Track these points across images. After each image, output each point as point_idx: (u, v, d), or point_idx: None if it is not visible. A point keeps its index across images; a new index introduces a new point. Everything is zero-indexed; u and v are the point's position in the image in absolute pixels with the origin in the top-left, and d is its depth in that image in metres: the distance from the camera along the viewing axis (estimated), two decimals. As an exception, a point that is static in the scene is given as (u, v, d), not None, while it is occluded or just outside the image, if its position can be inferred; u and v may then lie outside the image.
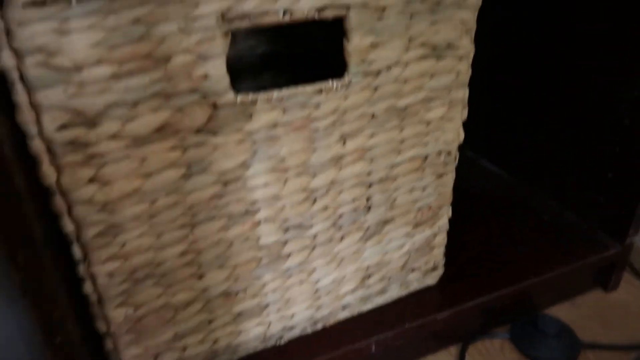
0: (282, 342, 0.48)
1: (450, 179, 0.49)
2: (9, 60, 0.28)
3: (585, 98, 0.61)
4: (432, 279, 0.54)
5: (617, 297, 0.63)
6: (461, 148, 0.48)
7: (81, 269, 0.36)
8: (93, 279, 0.36)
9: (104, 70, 0.31)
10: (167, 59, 0.32)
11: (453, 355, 0.56)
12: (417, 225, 0.49)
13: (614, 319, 0.60)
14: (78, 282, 0.36)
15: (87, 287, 0.36)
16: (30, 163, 0.31)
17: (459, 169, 0.49)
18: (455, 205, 0.51)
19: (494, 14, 0.60)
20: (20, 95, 0.30)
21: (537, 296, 0.61)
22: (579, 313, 0.61)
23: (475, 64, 0.43)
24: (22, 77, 0.29)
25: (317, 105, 0.38)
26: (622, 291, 0.64)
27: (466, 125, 0.46)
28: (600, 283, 0.65)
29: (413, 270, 0.52)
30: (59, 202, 0.33)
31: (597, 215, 0.63)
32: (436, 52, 0.41)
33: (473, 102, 0.47)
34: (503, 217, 0.66)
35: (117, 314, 0.38)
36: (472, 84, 0.44)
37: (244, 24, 0.33)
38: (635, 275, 0.66)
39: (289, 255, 0.44)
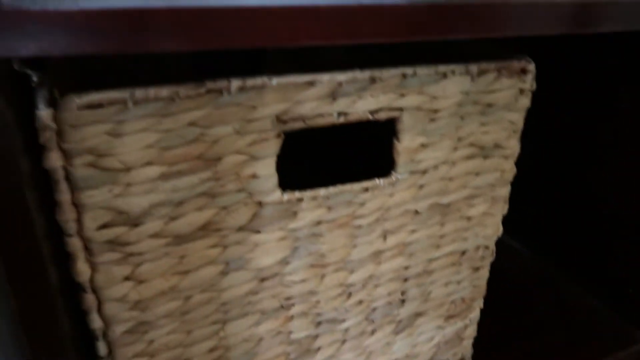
0: None
1: (486, 272, 0.47)
2: (56, 161, 0.27)
3: (616, 189, 0.60)
4: (458, 371, 0.52)
5: (646, 394, 0.61)
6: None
7: (105, 368, 0.33)
8: (116, 377, 0.34)
9: (154, 171, 0.29)
10: (218, 159, 0.31)
11: None
12: (449, 317, 0.47)
13: (644, 418, 0.57)
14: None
15: (109, 386, 0.34)
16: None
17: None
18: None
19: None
20: (63, 194, 0.28)
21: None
22: (607, 410, 0.58)
23: (520, 161, 0.42)
24: (67, 176, 0.28)
25: (363, 203, 0.37)
26: (651, 387, 0.61)
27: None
28: (627, 376, 0.62)
29: (441, 362, 0.50)
30: (89, 300, 0.31)
31: (627, 306, 0.61)
32: (484, 151, 0.40)
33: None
34: (527, 300, 0.64)
35: (137, 414, 0.36)
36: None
37: (298, 125, 0.32)
38: (663, 368, 0.64)
39: (318, 350, 0.42)
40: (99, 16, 0.22)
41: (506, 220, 0.45)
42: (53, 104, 0.26)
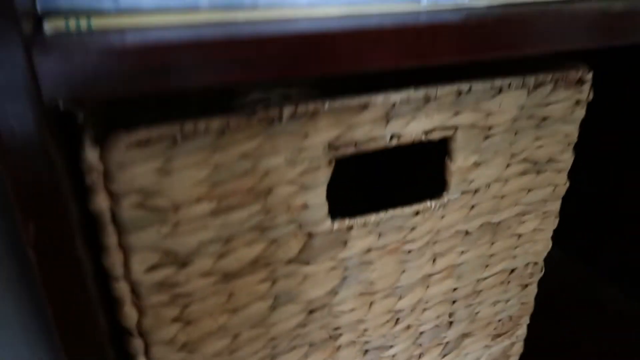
0: None
1: (534, 289, 0.45)
2: (103, 204, 0.25)
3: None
4: (504, 390, 0.50)
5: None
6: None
7: (152, 412, 0.32)
8: (163, 421, 0.32)
9: (203, 207, 0.27)
10: (268, 191, 0.29)
11: None
12: (496, 336, 0.46)
13: None
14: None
15: None
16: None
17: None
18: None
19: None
20: (110, 237, 0.26)
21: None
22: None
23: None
24: (114, 219, 0.26)
25: (413, 227, 0.35)
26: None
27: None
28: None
29: (486, 382, 0.48)
30: (136, 344, 0.30)
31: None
32: (536, 166, 0.38)
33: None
34: (568, 308, 0.62)
35: None
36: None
37: (350, 150, 0.30)
38: None
39: (365, 378, 0.40)
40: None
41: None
42: (99, 143, 0.24)
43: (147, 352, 0.30)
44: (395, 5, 0.28)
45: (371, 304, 0.37)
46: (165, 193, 0.26)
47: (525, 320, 0.47)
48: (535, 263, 0.43)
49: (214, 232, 0.28)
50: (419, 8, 0.29)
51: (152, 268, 0.28)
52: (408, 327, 0.40)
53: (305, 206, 0.30)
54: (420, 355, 0.42)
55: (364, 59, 0.24)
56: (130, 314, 0.28)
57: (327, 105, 0.28)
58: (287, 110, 0.27)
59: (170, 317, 0.29)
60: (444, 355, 0.43)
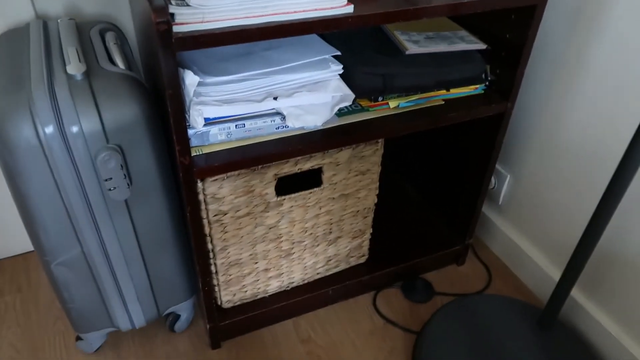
0: (289, 287, 1.04)
1: (371, 217, 1.03)
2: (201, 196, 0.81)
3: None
4: (362, 260, 1.10)
5: (462, 269, 1.20)
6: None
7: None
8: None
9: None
10: (258, 194, 0.85)
11: (371, 296, 1.13)
12: (354, 238, 1.04)
13: (456, 280, 1.17)
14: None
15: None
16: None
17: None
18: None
19: None
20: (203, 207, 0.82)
21: (417, 268, 1.17)
22: (439, 276, 1.18)
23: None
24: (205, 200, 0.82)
25: (309, 197, 0.91)
26: (466, 267, 1.21)
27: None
28: (455, 261, 1.22)
29: (352, 256, 1.08)
30: (210, 244, 0.87)
31: (455, 227, 1.18)
32: (362, 175, 0.94)
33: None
34: (407, 222, 1.21)
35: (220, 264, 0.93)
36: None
37: (282, 175, 0.86)
38: (476, 257, 1.23)
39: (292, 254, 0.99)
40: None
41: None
42: (201, 181, 0.79)
43: (213, 247, 0.88)
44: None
45: (294, 225, 0.94)
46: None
47: (369, 230, 1.05)
48: (368, 208, 1.01)
49: (233, 207, 0.84)
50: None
51: (215, 215, 0.84)
52: (311, 234, 0.98)
53: (266, 193, 0.86)
54: (317, 245, 1.00)
55: (282, 158, 0.78)
56: (207, 231, 0.85)
57: (273, 162, 0.83)
58: (259, 166, 0.82)
59: (220, 231, 0.86)
60: (329, 245, 1.02)
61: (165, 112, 0.70)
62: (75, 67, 0.70)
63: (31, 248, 1.20)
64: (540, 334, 0.98)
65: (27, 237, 1.16)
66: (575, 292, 1.03)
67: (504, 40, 0.91)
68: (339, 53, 0.82)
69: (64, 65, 0.72)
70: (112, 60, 0.77)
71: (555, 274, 1.08)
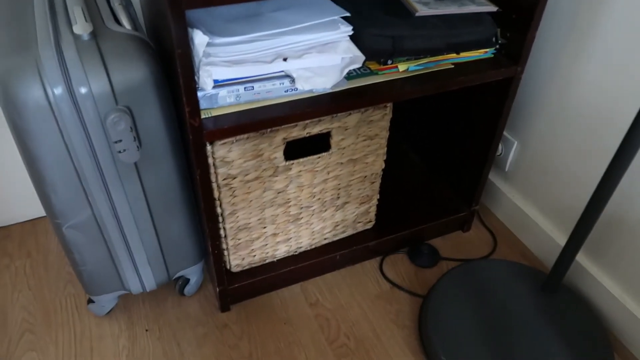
0: (297, 252, 1.05)
1: (378, 182, 1.03)
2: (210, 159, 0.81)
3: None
4: (369, 226, 1.11)
5: (468, 235, 1.21)
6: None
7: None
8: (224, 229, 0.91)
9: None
10: (266, 158, 0.85)
11: (377, 261, 1.14)
12: (361, 203, 1.05)
13: (462, 246, 1.18)
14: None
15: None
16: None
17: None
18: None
19: None
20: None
21: (423, 234, 1.18)
22: (444, 243, 1.19)
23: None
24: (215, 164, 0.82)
25: (317, 162, 0.91)
26: (471, 233, 1.22)
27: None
28: (461, 228, 1.22)
29: (359, 222, 1.08)
30: (219, 207, 0.87)
31: (461, 194, 1.19)
32: (370, 140, 0.93)
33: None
34: (413, 189, 1.22)
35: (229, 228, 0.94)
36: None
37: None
38: (481, 223, 1.24)
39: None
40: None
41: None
42: (210, 144, 0.79)
43: (222, 211, 0.88)
44: (306, 91, 0.81)
45: (302, 190, 0.94)
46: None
47: (376, 195, 1.06)
48: (375, 173, 1.01)
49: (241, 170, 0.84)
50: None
51: (224, 179, 0.84)
52: (319, 199, 0.98)
53: (274, 158, 0.86)
54: (325, 211, 1.01)
55: (291, 121, 0.78)
56: (216, 195, 0.86)
57: (282, 126, 0.83)
58: (268, 129, 0.82)
59: (229, 195, 0.87)
60: (336, 210, 1.02)
61: (174, 73, 0.70)
62: (81, 27, 0.69)
63: (39, 214, 1.20)
64: (545, 297, 0.99)
65: (34, 203, 1.17)
66: (580, 257, 1.04)
67: (515, 2, 0.89)
68: (348, 14, 0.80)
69: (70, 25, 0.71)
70: (117, 21, 0.76)
71: (561, 239, 1.09)
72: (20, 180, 1.12)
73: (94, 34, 0.69)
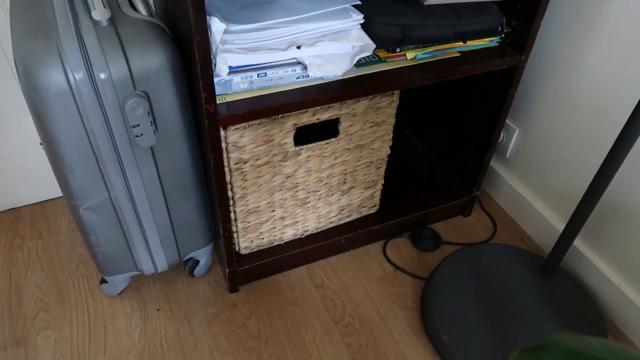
0: (303, 235, 1.08)
1: (383, 168, 1.06)
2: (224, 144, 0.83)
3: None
4: (373, 210, 1.14)
5: (468, 220, 1.24)
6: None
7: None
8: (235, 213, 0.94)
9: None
10: (277, 144, 0.87)
11: (381, 244, 1.17)
12: (366, 188, 1.07)
13: (462, 230, 1.21)
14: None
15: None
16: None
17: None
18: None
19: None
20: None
21: (425, 219, 1.21)
22: (446, 227, 1.22)
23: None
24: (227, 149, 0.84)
25: (325, 147, 0.94)
26: (472, 218, 1.25)
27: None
28: (462, 213, 1.26)
29: (364, 207, 1.11)
30: (231, 191, 0.90)
31: (462, 180, 1.21)
32: (377, 126, 0.95)
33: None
34: (416, 175, 1.24)
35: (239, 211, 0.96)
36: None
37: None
38: (482, 209, 1.27)
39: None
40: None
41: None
42: (224, 129, 0.81)
43: (233, 195, 0.90)
44: (317, 78, 0.83)
45: (310, 175, 0.97)
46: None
47: (381, 181, 1.08)
48: (381, 159, 1.03)
49: (252, 155, 0.87)
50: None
51: (236, 164, 0.86)
52: (326, 184, 1.00)
53: (285, 143, 0.88)
54: (331, 195, 1.04)
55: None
56: (228, 179, 0.88)
57: (293, 112, 0.85)
58: (280, 115, 0.84)
59: (240, 179, 0.89)
60: (342, 195, 1.05)
61: (191, 59, 0.71)
62: (100, 13, 0.71)
63: (50, 196, 1.22)
64: (543, 280, 1.03)
65: (44, 185, 1.19)
66: (577, 242, 1.08)
67: (521, -9, 0.91)
68: (359, 2, 0.82)
69: (88, 10, 0.72)
70: (133, 7, 0.77)
71: (559, 225, 1.12)
72: (30, 162, 1.14)
73: (112, 20, 0.71)
